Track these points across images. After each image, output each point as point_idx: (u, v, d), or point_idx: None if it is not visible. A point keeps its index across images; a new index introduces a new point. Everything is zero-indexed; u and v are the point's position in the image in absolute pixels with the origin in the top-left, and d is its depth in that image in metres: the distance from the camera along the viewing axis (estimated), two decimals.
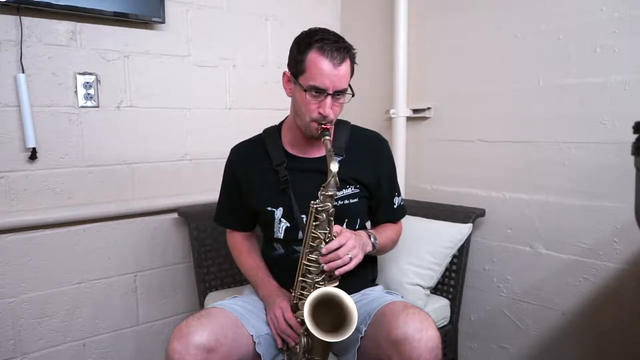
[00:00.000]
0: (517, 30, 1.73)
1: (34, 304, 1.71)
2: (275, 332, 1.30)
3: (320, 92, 1.23)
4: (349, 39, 1.29)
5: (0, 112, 1.60)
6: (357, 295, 1.38)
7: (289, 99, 1.36)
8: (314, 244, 1.24)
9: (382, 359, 1.17)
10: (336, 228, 1.25)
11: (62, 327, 1.77)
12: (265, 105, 2.16)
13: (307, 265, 1.25)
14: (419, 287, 1.68)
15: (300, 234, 1.31)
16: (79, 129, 1.74)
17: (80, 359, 1.82)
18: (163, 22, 1.83)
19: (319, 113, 1.25)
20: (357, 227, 1.41)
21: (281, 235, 1.38)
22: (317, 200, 1.23)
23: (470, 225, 1.77)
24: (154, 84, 1.89)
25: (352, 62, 1.28)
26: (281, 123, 1.47)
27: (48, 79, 1.67)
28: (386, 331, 1.14)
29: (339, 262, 1.20)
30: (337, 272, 1.22)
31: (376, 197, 1.44)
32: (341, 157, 1.37)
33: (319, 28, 1.28)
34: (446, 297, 1.83)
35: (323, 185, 1.22)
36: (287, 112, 1.44)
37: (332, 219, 1.23)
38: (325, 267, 1.21)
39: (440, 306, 1.76)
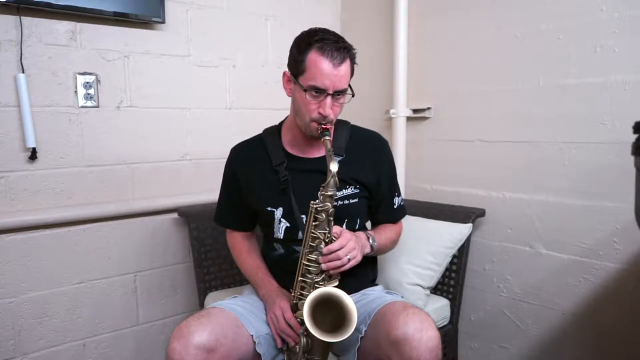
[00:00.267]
0: (517, 30, 1.73)
1: (34, 304, 1.71)
2: (275, 332, 1.30)
3: (320, 92, 1.23)
4: (349, 39, 1.29)
5: (0, 112, 1.60)
6: (357, 295, 1.38)
7: (289, 99, 1.36)
8: (314, 244, 1.24)
9: (382, 359, 1.17)
10: (336, 229, 1.25)
11: (62, 327, 1.77)
12: (265, 105, 2.16)
13: (306, 265, 1.25)
14: (419, 287, 1.68)
15: (300, 234, 1.31)
16: (79, 129, 1.74)
17: (80, 359, 1.82)
18: (163, 22, 1.83)
19: (319, 113, 1.25)
20: (357, 227, 1.41)
21: (281, 236, 1.38)
22: (317, 200, 1.23)
23: (470, 225, 1.77)
24: (154, 84, 1.89)
25: (352, 62, 1.28)
26: (281, 123, 1.47)
27: (48, 79, 1.67)
28: (386, 331, 1.14)
29: (337, 263, 1.21)
30: (332, 271, 1.23)
31: (376, 197, 1.44)
32: (341, 157, 1.37)
33: (319, 28, 1.28)
34: (446, 297, 1.83)
35: (323, 185, 1.22)
36: (287, 112, 1.44)
37: (331, 219, 1.23)
38: (324, 266, 1.21)
39: (440, 306, 1.76)
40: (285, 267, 1.38)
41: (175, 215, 1.95)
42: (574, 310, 1.65)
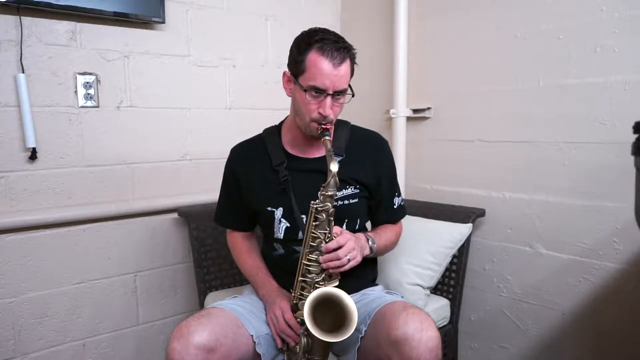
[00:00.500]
0: (517, 30, 1.73)
1: (34, 304, 1.71)
2: (275, 332, 1.30)
3: (320, 92, 1.23)
4: (349, 39, 1.29)
5: (0, 112, 1.60)
6: (357, 295, 1.38)
7: (289, 99, 1.36)
8: (314, 244, 1.24)
9: (382, 359, 1.17)
10: (336, 229, 1.25)
11: (62, 327, 1.77)
12: (265, 105, 2.16)
13: (307, 265, 1.25)
14: (419, 287, 1.68)
15: (300, 234, 1.31)
16: (79, 129, 1.74)
17: (80, 359, 1.82)
18: (163, 22, 1.83)
19: (319, 113, 1.25)
20: (357, 227, 1.41)
21: (281, 236, 1.38)
22: (317, 200, 1.23)
23: (470, 225, 1.77)
24: (154, 84, 1.89)
25: (352, 62, 1.28)
26: (281, 123, 1.47)
27: (48, 79, 1.67)
28: (386, 331, 1.14)
29: (337, 263, 1.22)
30: (332, 271, 1.24)
31: (376, 197, 1.44)
32: (341, 157, 1.37)
33: (319, 28, 1.28)
34: (446, 297, 1.83)
35: (323, 185, 1.22)
36: (287, 112, 1.44)
37: (332, 219, 1.23)
38: (323, 265, 1.22)
39: (440, 306, 1.76)
40: (285, 267, 1.38)
41: (175, 215, 1.95)
42: (574, 310, 1.65)
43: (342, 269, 1.23)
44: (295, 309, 1.28)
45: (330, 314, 1.19)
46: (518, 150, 1.76)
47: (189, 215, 1.89)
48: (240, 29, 2.09)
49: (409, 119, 2.08)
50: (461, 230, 1.74)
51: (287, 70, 1.32)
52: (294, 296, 1.29)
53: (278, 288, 1.38)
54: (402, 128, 2.07)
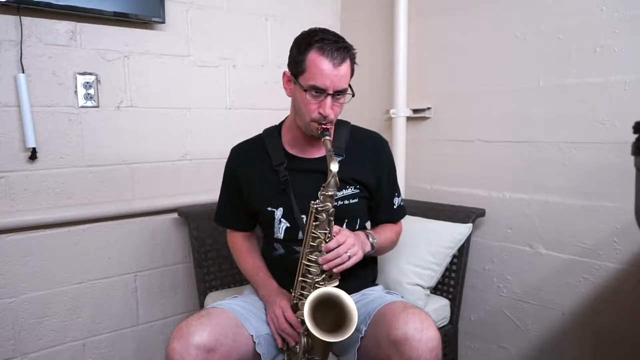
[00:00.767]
0: (517, 30, 1.73)
1: (34, 304, 1.71)
2: (275, 331, 1.30)
3: (320, 92, 1.23)
4: (349, 39, 1.29)
5: (0, 112, 1.60)
6: (357, 295, 1.38)
7: (289, 99, 1.36)
8: (314, 244, 1.24)
9: (382, 358, 1.17)
10: (336, 229, 1.25)
11: (62, 327, 1.77)
12: (265, 105, 2.16)
13: (307, 265, 1.25)
14: (419, 287, 1.68)
15: (301, 234, 1.31)
16: (79, 129, 1.74)
17: (80, 359, 1.82)
18: (163, 22, 1.83)
19: (319, 113, 1.25)
20: (357, 227, 1.41)
21: (281, 236, 1.38)
22: (317, 201, 1.23)
23: (470, 225, 1.77)
24: (154, 84, 1.89)
25: (352, 62, 1.28)
26: (281, 123, 1.47)
27: (48, 79, 1.67)
28: (386, 331, 1.14)
29: (338, 261, 1.21)
30: (334, 270, 1.23)
31: (376, 197, 1.44)
32: (341, 157, 1.37)
33: (319, 28, 1.28)
34: (446, 297, 1.83)
35: (323, 185, 1.22)
36: (287, 112, 1.44)
37: (332, 219, 1.23)
38: (325, 266, 1.21)
39: (440, 306, 1.76)
40: (285, 267, 1.38)
41: (175, 215, 1.95)
42: (574, 310, 1.65)
43: (343, 267, 1.22)
44: (296, 308, 1.28)
45: (331, 314, 1.19)
46: (518, 150, 1.76)
47: (189, 215, 1.89)
48: (240, 29, 2.09)
49: (409, 119, 2.08)
50: (461, 230, 1.75)
51: (287, 70, 1.32)
52: (294, 296, 1.29)
53: (278, 288, 1.38)
54: (402, 128, 2.07)
